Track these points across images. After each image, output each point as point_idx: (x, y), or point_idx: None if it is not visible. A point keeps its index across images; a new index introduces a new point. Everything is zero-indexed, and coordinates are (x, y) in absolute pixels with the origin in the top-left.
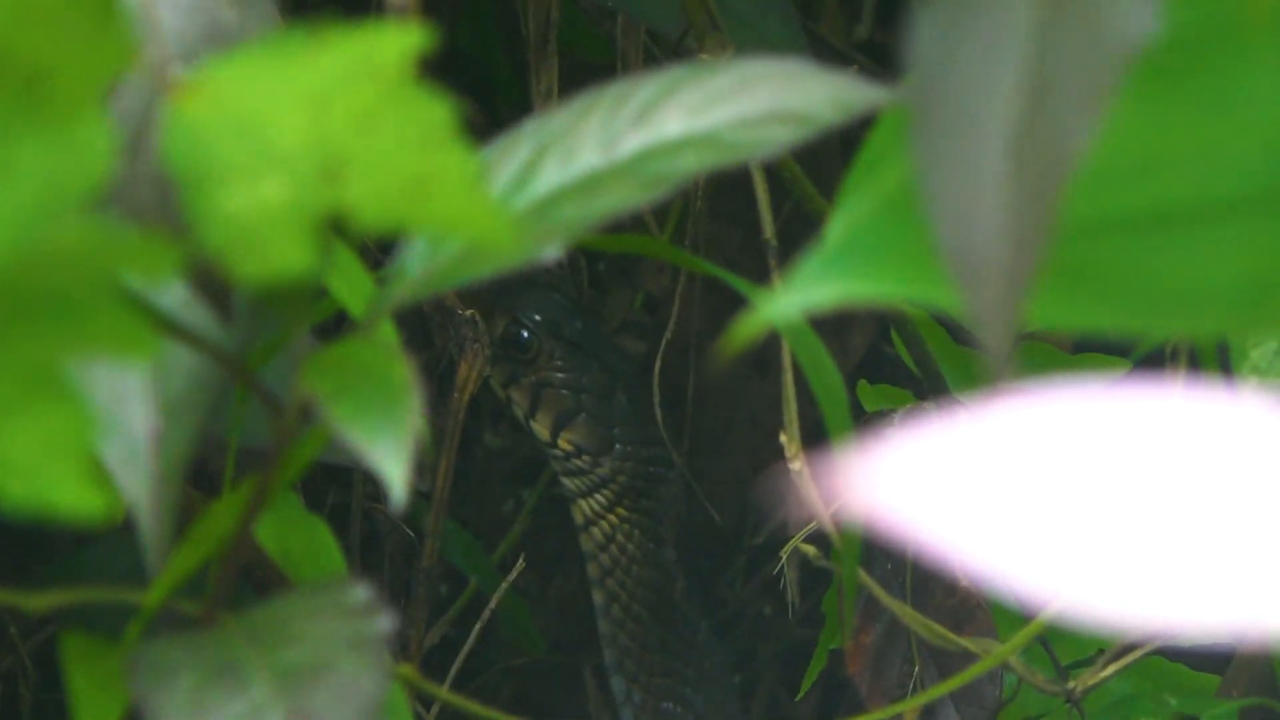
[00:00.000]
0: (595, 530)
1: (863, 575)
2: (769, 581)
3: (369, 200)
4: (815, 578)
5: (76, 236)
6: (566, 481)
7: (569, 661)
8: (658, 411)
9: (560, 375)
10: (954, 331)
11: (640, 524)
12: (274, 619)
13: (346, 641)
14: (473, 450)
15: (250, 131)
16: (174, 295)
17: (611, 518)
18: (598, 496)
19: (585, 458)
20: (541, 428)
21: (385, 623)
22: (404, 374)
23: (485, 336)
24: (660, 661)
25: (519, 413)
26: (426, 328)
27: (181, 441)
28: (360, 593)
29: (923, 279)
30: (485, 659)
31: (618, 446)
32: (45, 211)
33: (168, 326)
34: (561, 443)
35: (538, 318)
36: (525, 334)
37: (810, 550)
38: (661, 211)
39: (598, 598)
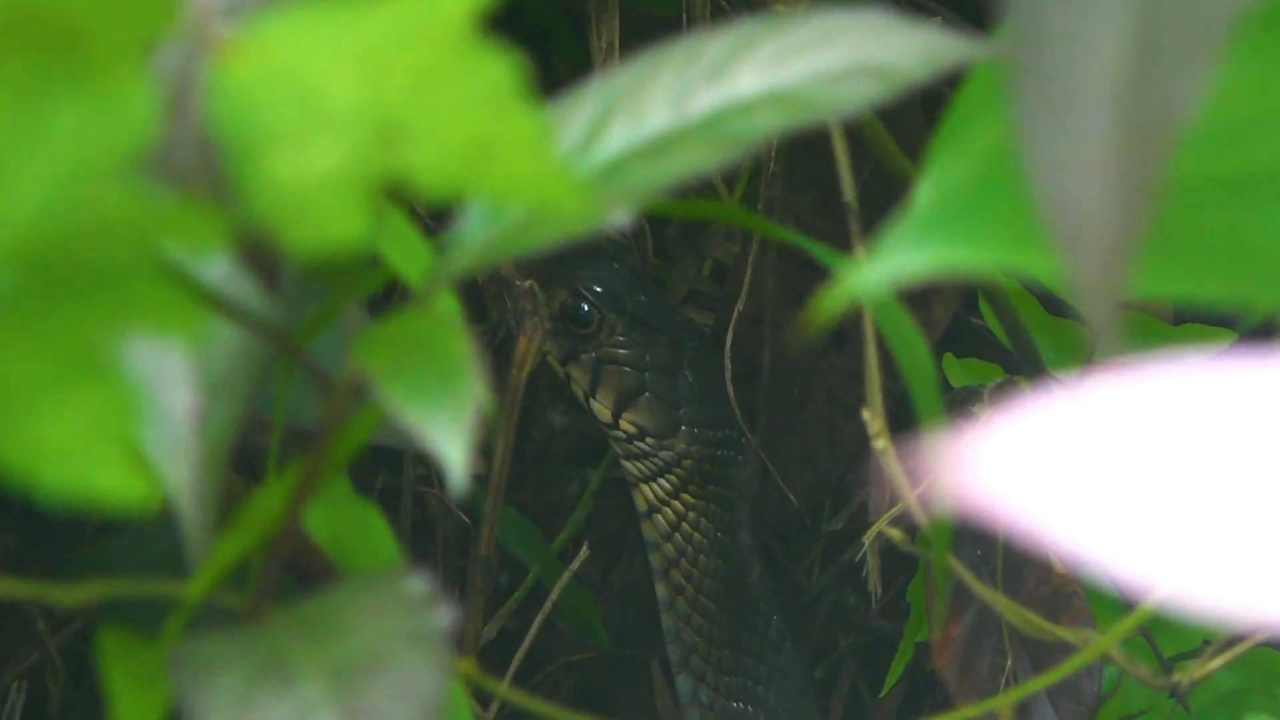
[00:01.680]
0: (659, 518)
1: (952, 561)
2: (849, 569)
3: (427, 164)
4: (899, 565)
5: (115, 204)
6: (629, 465)
7: (634, 655)
8: (728, 388)
9: (622, 351)
10: (1047, 302)
11: (708, 510)
12: (324, 612)
13: (403, 636)
14: (530, 430)
15: (301, 93)
16: (218, 267)
17: (677, 504)
18: (662, 481)
19: (649, 440)
20: (602, 407)
21: (445, 615)
22: (464, 348)
23: (544, 309)
24: (730, 658)
25: (578, 391)
26: (480, 300)
27: (225, 423)
28: (417, 583)
29: (1019, 245)
30: (546, 653)
31: (684, 427)
32: (82, 178)
33: (211, 300)
34: (624, 424)
35: (599, 289)
36: (585, 307)
37: (895, 535)
38: (730, 174)
39: (661, 591)
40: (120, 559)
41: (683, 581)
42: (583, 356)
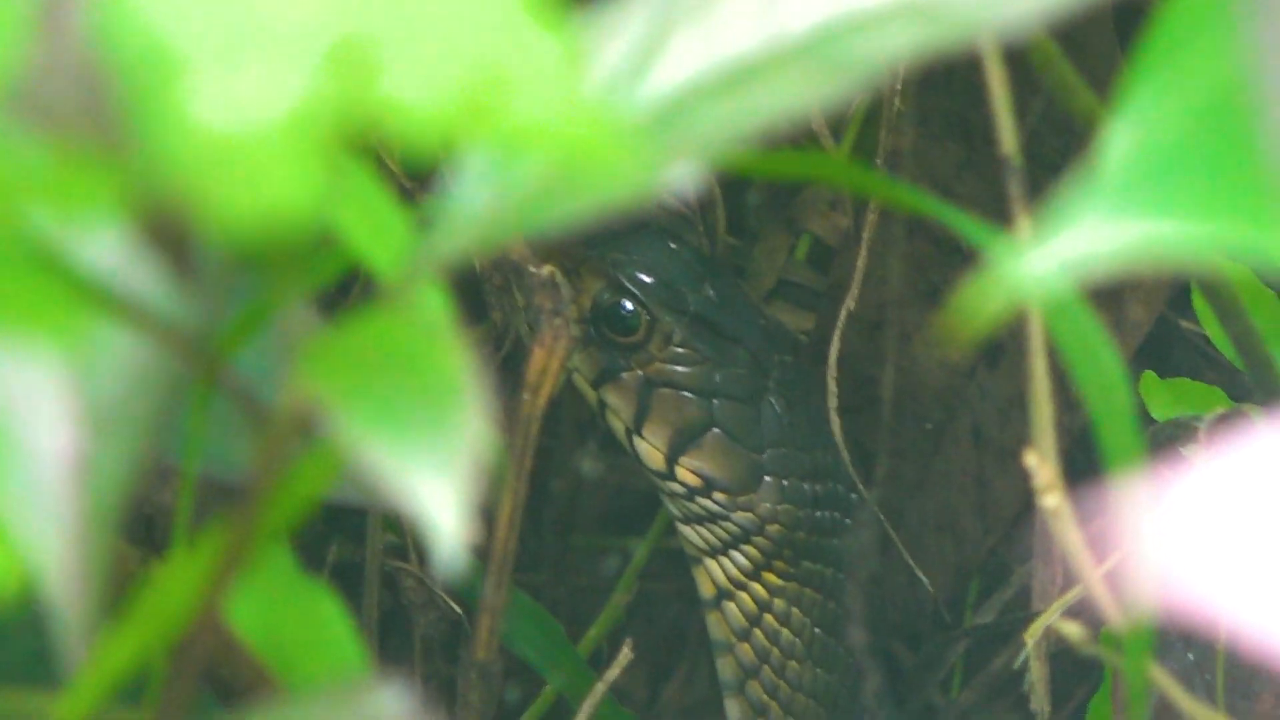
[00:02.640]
0: (733, 608)
1: (1154, 670)
2: (1006, 679)
3: (409, 100)
4: (1075, 676)
5: None
6: (689, 532)
7: None
8: (834, 423)
9: (681, 369)
10: None
11: (803, 597)
12: None
13: None
14: (550, 482)
15: None
16: (106, 246)
17: (758, 588)
18: (738, 555)
19: (719, 495)
20: (652, 449)
21: None
22: (457, 364)
23: (571, 308)
24: None
25: (617, 425)
26: (479, 295)
27: (114, 472)
28: (388, 701)
29: (1254, 217)
30: None
31: (769, 479)
32: None
33: (96, 294)
34: (682, 472)
35: (647, 279)
36: (628, 305)
37: (1071, 632)
38: (839, 117)
39: (735, 711)
40: None
41: (765, 699)
42: (624, 376)
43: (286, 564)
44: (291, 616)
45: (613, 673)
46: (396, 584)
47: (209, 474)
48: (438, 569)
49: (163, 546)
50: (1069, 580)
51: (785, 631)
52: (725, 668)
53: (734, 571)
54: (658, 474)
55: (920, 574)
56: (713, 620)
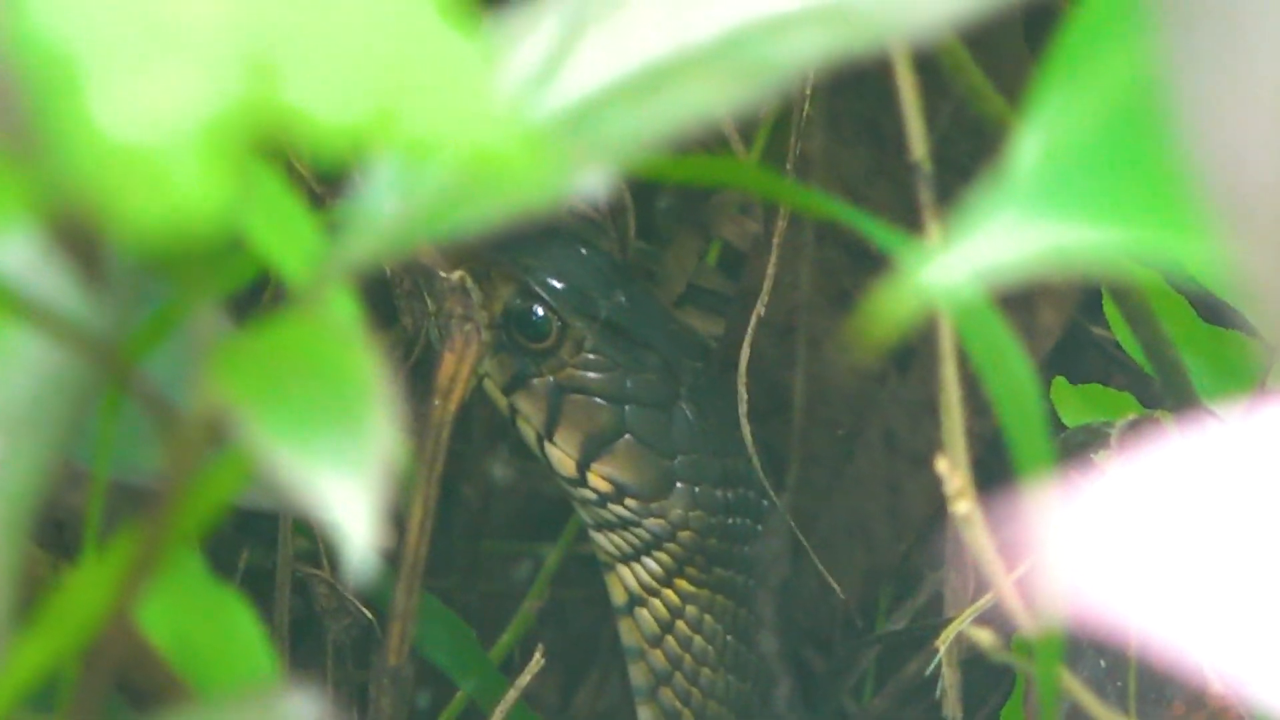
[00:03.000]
0: (645, 614)
1: (1066, 677)
2: (917, 686)
3: (316, 102)
4: (987, 682)
5: None
6: (601, 539)
7: None
8: (745, 429)
9: (593, 374)
10: (1201, 304)
11: (715, 604)
12: None
13: None
14: (460, 487)
15: (141, 1)
16: (15, 251)
17: (670, 594)
18: (649, 561)
19: (630, 502)
20: (563, 455)
21: None
22: (367, 369)
23: (482, 312)
24: None
25: (529, 432)
26: (389, 301)
27: (24, 476)
28: (299, 706)
29: (1163, 223)
30: None
31: (680, 484)
32: None
33: (5, 298)
34: (594, 479)
35: (558, 285)
36: (539, 310)
37: (983, 638)
38: (749, 122)
39: (647, 717)
40: None
41: (678, 706)
42: (535, 382)
43: (197, 569)
44: (202, 622)
45: (524, 679)
46: (308, 590)
47: (120, 478)
48: (349, 574)
49: (73, 551)
50: (981, 587)
51: (697, 638)
52: (638, 674)
53: (646, 578)
54: (569, 480)
55: (831, 580)
56: (625, 627)
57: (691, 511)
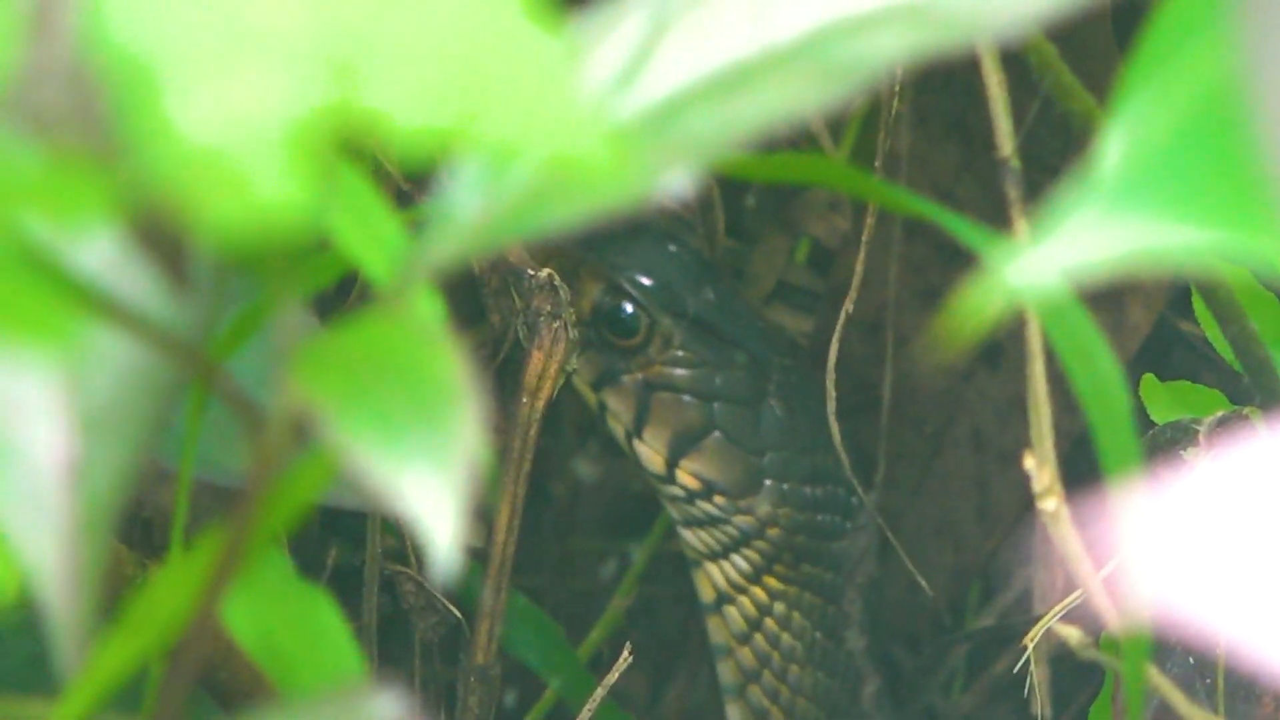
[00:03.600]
0: (733, 612)
1: (1154, 675)
2: (1005, 684)
3: (400, 105)
4: (1076, 680)
5: None
6: (689, 536)
7: None
8: (833, 426)
9: (681, 372)
10: None
11: (803, 601)
12: None
13: None
14: (549, 486)
15: (222, 6)
16: (100, 251)
17: (759, 591)
18: (738, 559)
19: (719, 499)
20: (652, 453)
21: None
22: (453, 368)
23: (570, 310)
24: None
25: (617, 428)
26: (476, 299)
27: (109, 475)
28: (387, 706)
29: (1251, 218)
30: None
31: (769, 482)
32: None
33: (89, 299)
34: (682, 475)
35: (647, 282)
36: (628, 308)
37: (1071, 635)
38: (838, 120)
39: (735, 715)
40: None
41: (765, 703)
42: (624, 379)
43: (283, 568)
44: (289, 621)
45: (612, 676)
46: (395, 588)
47: (205, 478)
48: (436, 573)
49: (159, 550)
50: (1069, 584)
51: (785, 635)
52: (726, 672)
53: (734, 575)
54: (658, 477)
55: (919, 577)
56: (713, 624)
57: (780, 508)
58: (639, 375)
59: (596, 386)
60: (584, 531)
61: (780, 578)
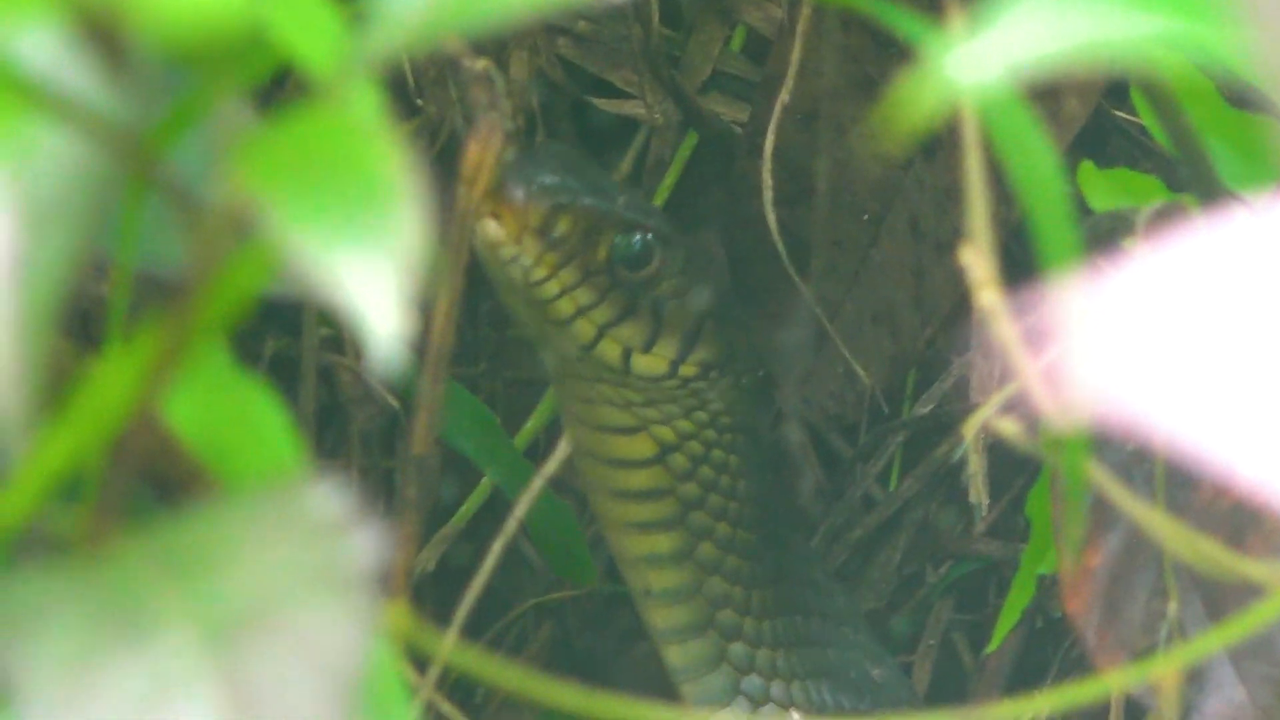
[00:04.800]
0: (678, 457)
1: (1091, 464)
2: (943, 473)
3: None
4: (1013, 467)
5: None
6: (650, 412)
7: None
8: (770, 215)
9: (682, 278)
10: (1227, 91)
11: (743, 429)
12: (194, 538)
13: (306, 572)
14: (485, 276)
15: None
16: (40, 44)
17: (709, 433)
18: (700, 413)
19: (714, 374)
20: (658, 360)
21: (365, 542)
22: (394, 162)
23: (504, 100)
24: (779, 600)
25: (615, 352)
26: (405, 89)
27: (52, 268)
28: (325, 497)
29: (1192, 9)
30: (509, 593)
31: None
32: None
33: (30, 91)
34: (686, 369)
35: (643, 216)
36: (638, 242)
37: (1007, 426)
38: None
39: (672, 542)
40: None
41: (709, 523)
42: (642, 305)
43: (223, 360)
44: (228, 412)
45: (550, 466)
46: (334, 379)
47: (146, 270)
48: (374, 363)
49: (96, 342)
50: (1007, 374)
51: (732, 459)
52: (663, 509)
53: (688, 427)
54: (654, 377)
55: (857, 366)
56: (649, 474)
57: (744, 368)
58: (653, 295)
59: (617, 322)
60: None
61: (727, 421)
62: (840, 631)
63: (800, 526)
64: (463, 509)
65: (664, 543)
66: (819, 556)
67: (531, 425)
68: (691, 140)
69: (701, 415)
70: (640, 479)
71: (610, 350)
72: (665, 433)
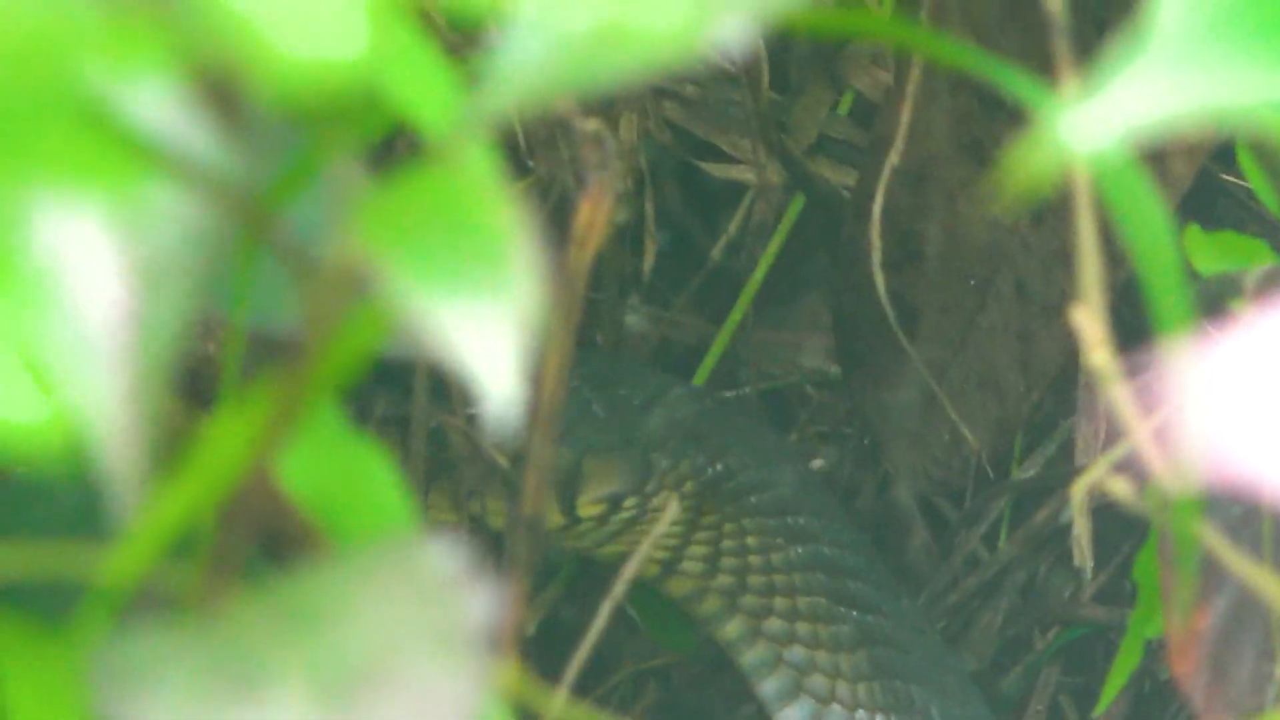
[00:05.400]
0: (687, 565)
1: (1201, 526)
2: (1049, 535)
3: None
4: (1120, 532)
5: (12, 15)
6: (609, 550)
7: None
8: (878, 278)
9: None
10: None
11: (756, 511)
12: (308, 597)
13: (419, 630)
14: (593, 336)
15: None
16: (156, 101)
17: (701, 534)
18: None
19: (627, 503)
20: (556, 512)
21: (477, 601)
22: (509, 220)
23: (615, 160)
24: (874, 662)
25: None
26: (518, 151)
27: (165, 324)
28: (438, 556)
29: None
30: (614, 654)
31: (653, 456)
32: None
33: (145, 149)
34: (584, 509)
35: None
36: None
37: (1117, 487)
38: None
39: (734, 629)
40: (13, 519)
41: (763, 601)
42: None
43: (336, 420)
44: (340, 471)
45: (659, 528)
46: (443, 439)
47: (260, 329)
48: (489, 424)
49: (205, 402)
50: (1112, 437)
51: (753, 558)
52: (710, 606)
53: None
54: (563, 529)
55: (964, 428)
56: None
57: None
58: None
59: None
60: None
61: (715, 512)
62: (943, 690)
63: (900, 585)
64: (564, 569)
65: (730, 630)
66: (920, 615)
67: None
68: (798, 204)
69: (672, 529)
70: (672, 587)
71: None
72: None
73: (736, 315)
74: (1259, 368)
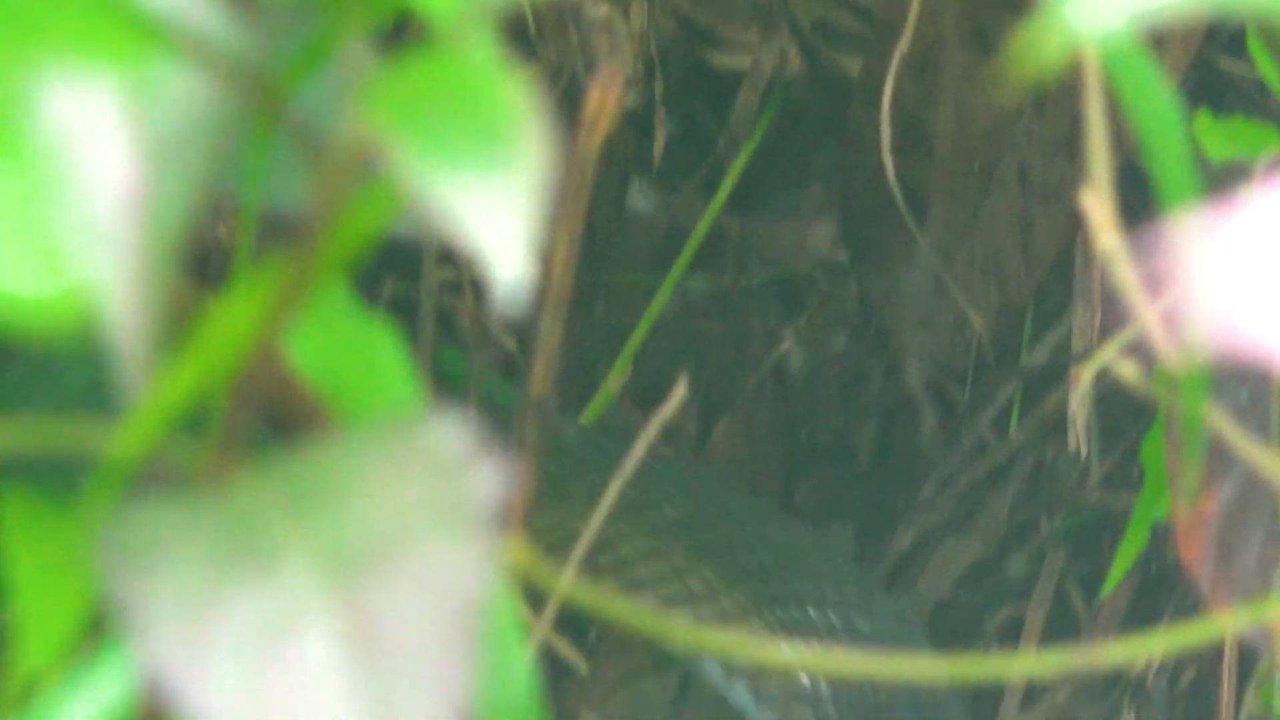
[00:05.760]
0: None
1: (1208, 409)
2: (1055, 420)
3: None
4: (1129, 414)
5: None
6: None
7: None
8: (888, 163)
9: None
10: None
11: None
12: (314, 474)
13: (429, 507)
14: (598, 218)
15: None
16: None
17: None
18: None
19: None
20: None
21: (484, 479)
22: (518, 103)
23: (626, 45)
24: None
25: None
26: (527, 36)
27: (174, 204)
28: (445, 435)
29: None
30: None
31: None
32: None
33: (156, 28)
34: None
35: None
36: None
37: (1124, 371)
38: None
39: None
40: (21, 396)
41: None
42: None
43: (344, 300)
44: (348, 350)
45: (666, 411)
46: (453, 321)
47: (269, 208)
48: (496, 305)
49: (214, 281)
50: (1110, 322)
51: None
52: None
53: None
54: None
55: (971, 313)
56: None
57: None
58: None
59: None
60: (640, 261)
61: None
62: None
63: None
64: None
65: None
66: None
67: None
68: (788, 86)
69: None
70: None
71: None
72: None
73: (723, 193)
74: (1266, 246)
